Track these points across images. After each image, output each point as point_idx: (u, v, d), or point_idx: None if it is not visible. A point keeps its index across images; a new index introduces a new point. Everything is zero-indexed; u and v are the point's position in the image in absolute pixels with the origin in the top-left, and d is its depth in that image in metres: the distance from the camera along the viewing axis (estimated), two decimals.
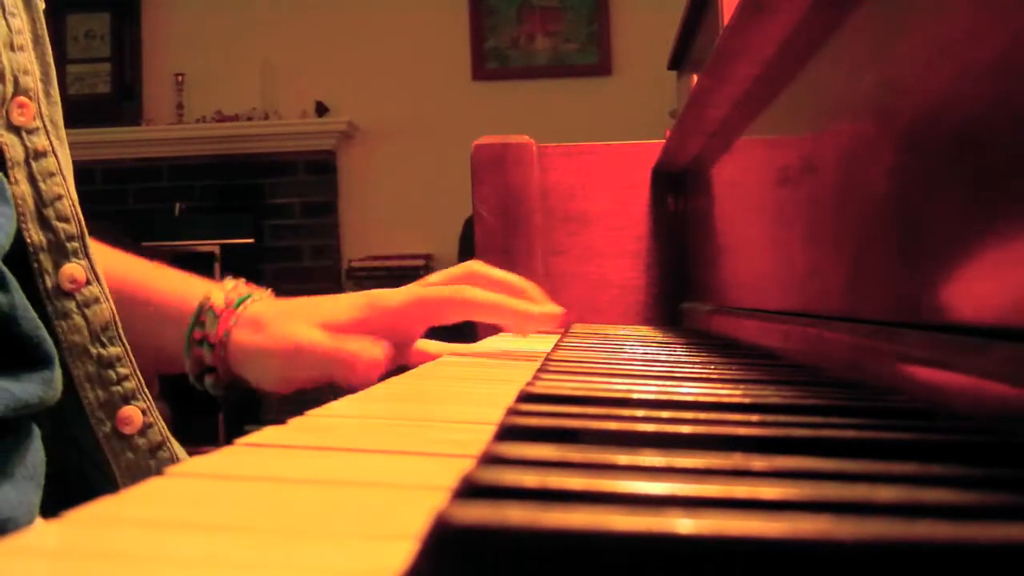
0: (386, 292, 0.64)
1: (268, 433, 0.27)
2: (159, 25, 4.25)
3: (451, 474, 0.20)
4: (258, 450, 0.25)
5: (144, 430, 0.56)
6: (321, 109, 4.12)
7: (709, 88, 0.78)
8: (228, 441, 0.26)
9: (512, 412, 0.28)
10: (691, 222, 1.12)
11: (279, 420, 0.29)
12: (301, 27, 4.14)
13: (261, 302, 0.64)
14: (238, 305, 0.62)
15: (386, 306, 0.62)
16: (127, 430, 0.55)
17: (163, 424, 0.57)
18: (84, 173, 4.34)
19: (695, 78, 1.28)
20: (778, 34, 0.61)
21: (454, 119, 4.02)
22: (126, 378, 0.55)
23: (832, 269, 0.53)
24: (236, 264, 3.93)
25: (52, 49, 0.60)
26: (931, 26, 0.38)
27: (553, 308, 0.67)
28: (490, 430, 0.27)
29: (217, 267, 3.91)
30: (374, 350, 0.57)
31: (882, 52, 0.44)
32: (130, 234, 3.60)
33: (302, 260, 4.09)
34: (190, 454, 0.23)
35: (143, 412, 0.56)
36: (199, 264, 3.84)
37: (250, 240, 4.02)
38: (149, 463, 0.55)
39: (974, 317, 0.33)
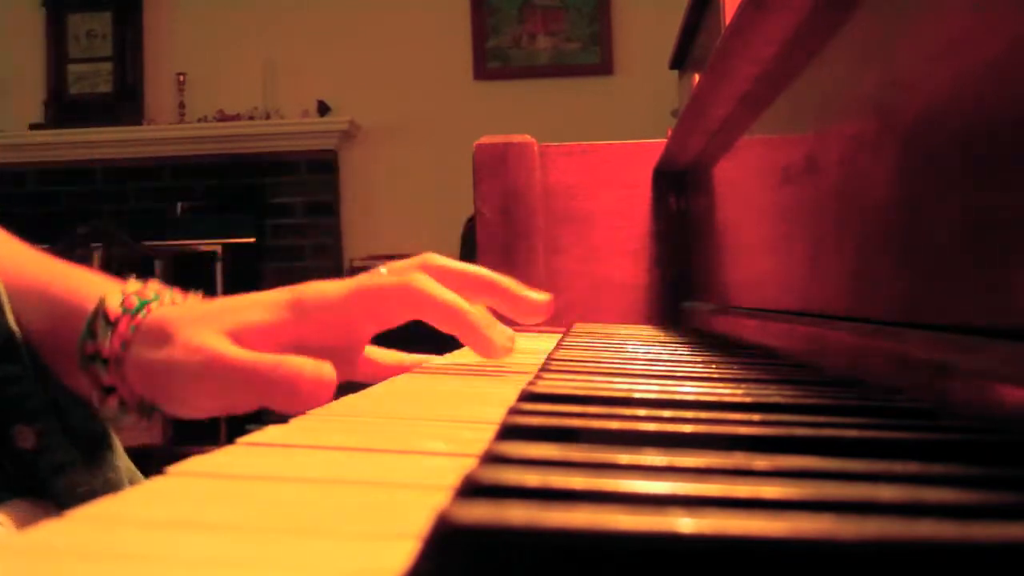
0: (316, 285, 0.52)
1: (269, 432, 0.27)
2: (161, 24, 4.25)
3: (453, 473, 0.20)
4: (259, 449, 0.25)
5: (41, 452, 0.49)
6: (323, 108, 4.12)
7: (711, 87, 0.78)
8: (229, 440, 0.25)
9: (514, 411, 0.28)
10: (693, 221, 1.12)
11: (281, 419, 0.29)
12: (303, 26, 4.15)
13: (170, 307, 0.51)
14: (138, 311, 0.50)
15: (317, 301, 0.50)
16: (23, 443, 0.49)
17: (70, 455, 0.50)
18: (85, 173, 4.36)
19: (697, 77, 1.28)
20: (780, 33, 0.61)
21: (455, 118, 4.02)
22: (23, 399, 0.49)
23: (834, 268, 0.53)
24: (237, 264, 3.94)
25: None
26: (933, 25, 0.38)
27: (531, 301, 0.58)
28: (492, 429, 0.27)
29: (219, 267, 3.91)
30: (323, 368, 0.45)
31: (884, 51, 0.44)
32: (131, 234, 3.60)
33: (303, 260, 4.09)
34: (191, 454, 0.23)
35: (39, 435, 0.49)
36: (200, 264, 3.84)
37: (251, 240, 4.03)
38: (53, 483, 0.49)
39: (975, 316, 0.33)
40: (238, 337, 0.48)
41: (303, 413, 0.33)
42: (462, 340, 0.53)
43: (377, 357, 0.58)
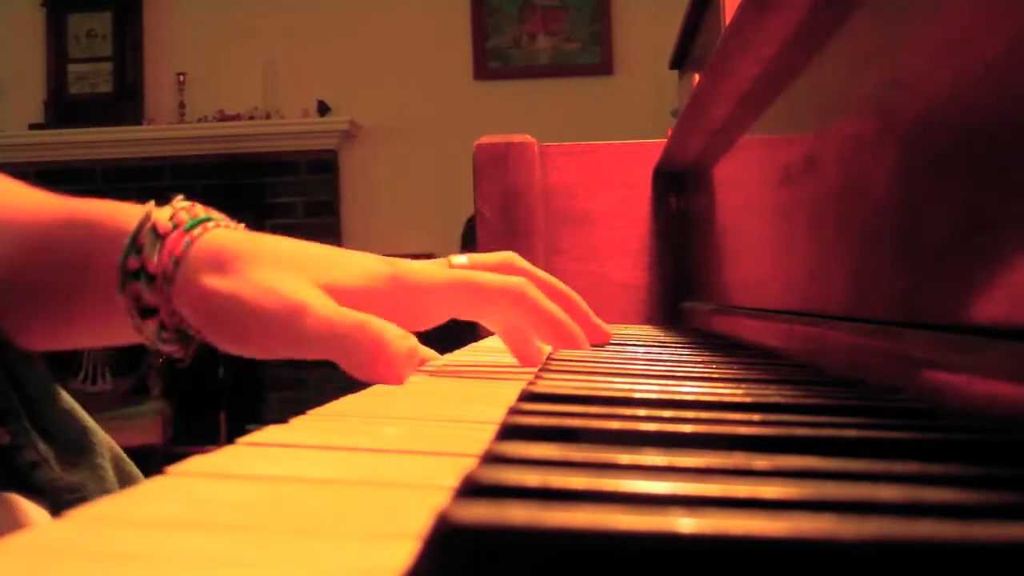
0: (415, 266, 0.49)
1: (270, 432, 0.27)
2: (161, 24, 4.25)
3: (453, 473, 0.20)
4: (260, 449, 0.25)
5: (16, 448, 0.46)
6: (323, 108, 4.12)
7: (711, 87, 0.78)
8: (229, 440, 0.25)
9: (514, 411, 0.28)
10: (692, 221, 1.12)
11: (281, 419, 0.29)
12: (303, 26, 4.15)
13: (228, 230, 0.47)
14: (192, 227, 0.46)
15: (418, 283, 0.48)
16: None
17: (43, 452, 0.47)
18: (85, 173, 4.35)
19: (697, 77, 1.28)
20: (780, 33, 0.61)
21: (456, 118, 4.02)
22: None
23: (833, 268, 0.53)
24: None
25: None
26: (934, 24, 0.38)
27: (602, 329, 0.59)
28: (493, 429, 0.27)
29: None
30: (410, 341, 0.43)
31: (884, 51, 0.44)
32: None
33: None
34: (191, 453, 0.23)
35: (12, 434, 0.46)
36: None
37: None
38: (31, 477, 0.47)
39: (975, 316, 0.33)
40: (333, 294, 0.45)
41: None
42: (558, 347, 0.54)
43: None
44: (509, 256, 0.55)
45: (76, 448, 0.51)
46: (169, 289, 0.45)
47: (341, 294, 0.45)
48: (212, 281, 0.44)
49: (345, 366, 0.43)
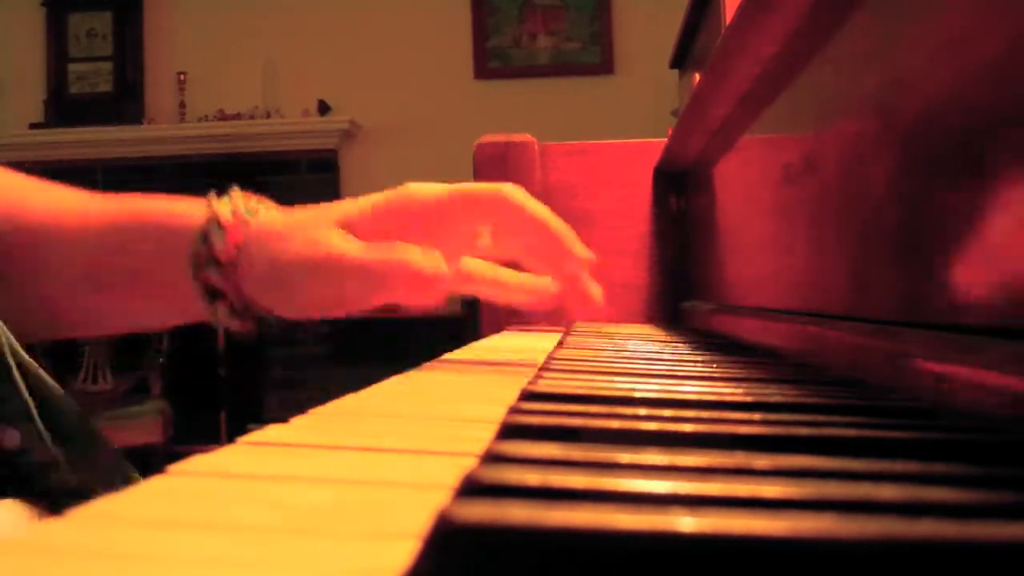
0: (417, 184, 0.55)
1: (270, 431, 0.27)
2: (161, 24, 4.25)
3: (454, 473, 0.20)
4: (260, 448, 0.25)
5: (26, 451, 0.49)
6: (323, 108, 4.12)
7: (711, 87, 0.78)
8: (230, 439, 0.25)
9: (514, 411, 0.28)
10: (693, 221, 1.12)
11: (281, 418, 0.29)
12: (303, 26, 4.15)
13: (272, 213, 0.54)
14: (248, 216, 0.53)
15: (418, 194, 0.54)
16: (7, 444, 0.49)
17: (54, 453, 0.50)
18: (85, 172, 4.35)
19: (697, 77, 1.28)
20: (780, 32, 0.61)
21: (456, 118, 4.02)
22: (3, 399, 0.49)
23: (833, 268, 0.53)
24: None
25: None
26: (934, 24, 0.38)
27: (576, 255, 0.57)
28: (493, 428, 0.27)
29: None
30: (433, 259, 0.48)
31: (884, 51, 0.44)
32: None
33: None
34: (191, 452, 0.23)
35: (22, 435, 0.49)
36: None
37: None
38: (38, 481, 0.49)
39: (976, 315, 0.33)
40: (348, 226, 0.51)
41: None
42: (544, 255, 0.56)
43: (473, 269, 0.61)
44: (508, 185, 0.58)
45: (85, 450, 0.53)
46: (235, 273, 0.52)
47: (359, 221, 0.51)
48: (267, 253, 0.51)
49: (394, 298, 0.49)
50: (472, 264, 0.61)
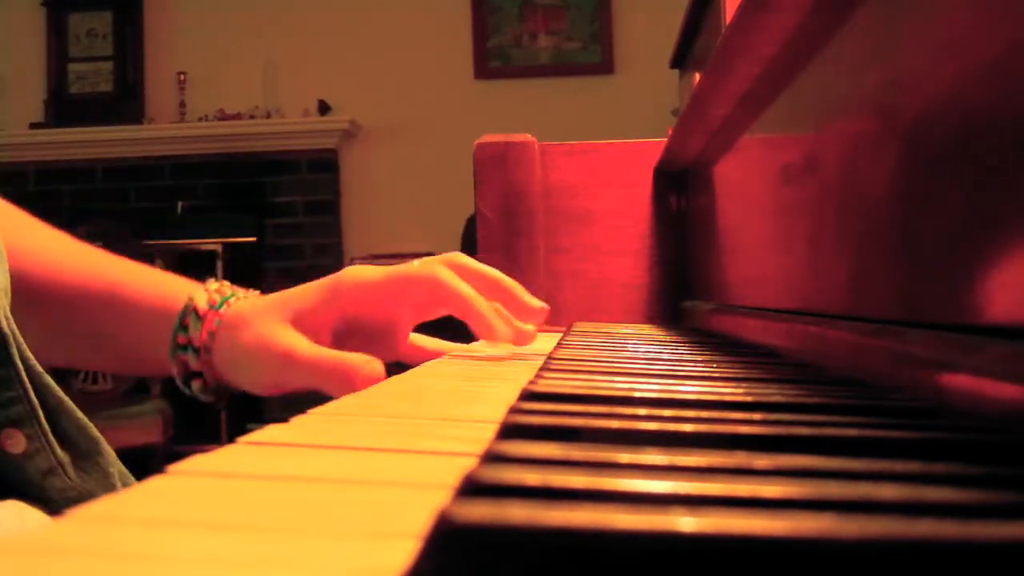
0: (353, 268, 0.60)
1: (270, 431, 0.27)
2: (161, 24, 4.25)
3: (453, 472, 0.20)
4: (260, 448, 0.25)
5: (31, 455, 0.51)
6: (323, 108, 4.12)
7: (711, 87, 0.78)
8: (230, 439, 0.25)
9: (514, 410, 0.28)
10: (693, 220, 1.12)
11: (281, 418, 0.29)
12: (303, 25, 4.14)
13: (243, 300, 0.61)
14: (220, 306, 0.60)
15: (355, 282, 0.59)
16: (12, 448, 0.50)
17: (60, 457, 0.52)
18: (86, 171, 4.36)
19: (697, 77, 1.28)
20: (781, 32, 0.61)
21: (456, 118, 4.02)
22: (11, 402, 0.50)
23: (833, 267, 0.53)
24: (238, 263, 3.94)
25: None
26: (935, 25, 0.38)
27: (533, 307, 0.63)
28: (493, 428, 0.27)
29: (220, 265, 3.91)
30: (374, 364, 0.54)
31: (885, 51, 0.44)
32: (132, 233, 3.60)
33: (304, 258, 4.09)
34: (191, 452, 0.23)
35: (28, 438, 0.51)
36: (201, 263, 3.84)
37: (252, 239, 4.02)
38: (42, 486, 0.51)
39: (976, 315, 0.33)
40: (297, 322, 0.58)
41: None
42: (472, 327, 0.60)
43: (421, 343, 0.66)
44: (451, 255, 0.64)
45: (89, 455, 0.55)
46: (209, 357, 0.59)
47: (305, 316, 0.58)
48: (231, 342, 0.58)
49: (328, 392, 0.54)
50: (424, 340, 0.66)
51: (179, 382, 0.60)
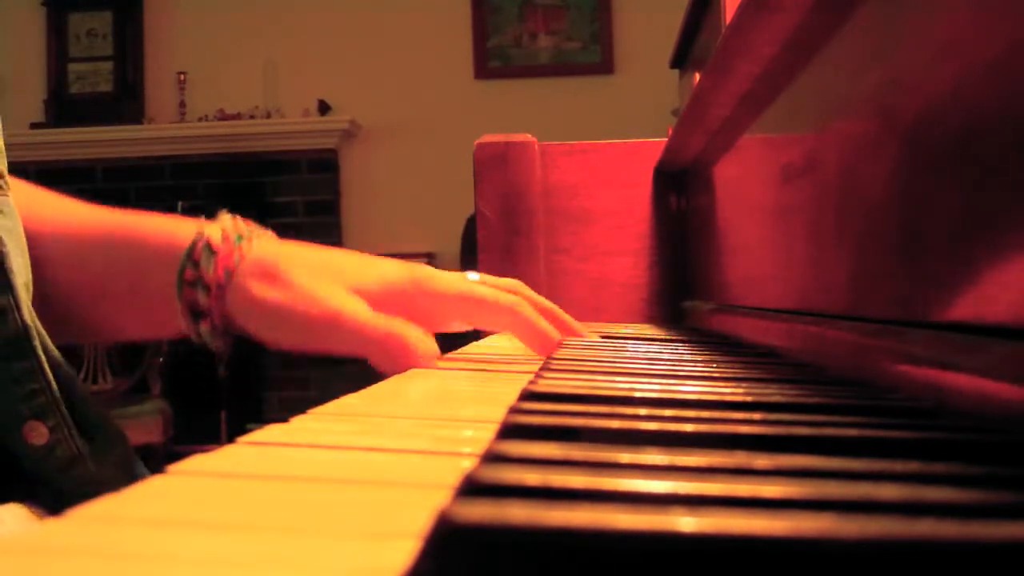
0: (432, 273, 0.56)
1: (270, 431, 0.27)
2: (161, 23, 4.25)
3: (454, 472, 0.20)
4: (260, 448, 0.25)
5: (53, 447, 0.50)
6: (323, 108, 4.12)
7: (711, 87, 0.78)
8: (230, 439, 0.25)
9: (514, 410, 0.28)
10: (693, 220, 1.12)
11: (281, 418, 0.29)
12: (303, 25, 4.14)
13: (266, 242, 0.56)
14: (240, 242, 0.54)
15: (433, 290, 0.55)
16: (35, 440, 0.50)
17: (80, 447, 0.52)
18: (85, 171, 4.35)
19: (697, 77, 1.28)
20: (781, 32, 0.61)
21: (456, 118, 4.02)
22: (34, 394, 0.50)
23: (834, 267, 0.53)
24: None
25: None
26: (935, 25, 0.38)
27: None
28: (493, 428, 0.27)
29: None
30: (429, 343, 0.50)
31: (885, 51, 0.44)
32: None
33: None
34: (192, 452, 0.23)
35: (51, 430, 0.50)
36: None
37: None
38: (62, 478, 0.51)
39: (976, 315, 0.33)
40: (362, 296, 0.53)
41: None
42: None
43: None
44: (516, 283, 0.61)
45: (109, 445, 0.54)
46: (222, 296, 0.53)
47: (367, 296, 0.52)
48: (262, 290, 0.52)
49: (375, 363, 0.50)
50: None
51: (187, 325, 0.55)
